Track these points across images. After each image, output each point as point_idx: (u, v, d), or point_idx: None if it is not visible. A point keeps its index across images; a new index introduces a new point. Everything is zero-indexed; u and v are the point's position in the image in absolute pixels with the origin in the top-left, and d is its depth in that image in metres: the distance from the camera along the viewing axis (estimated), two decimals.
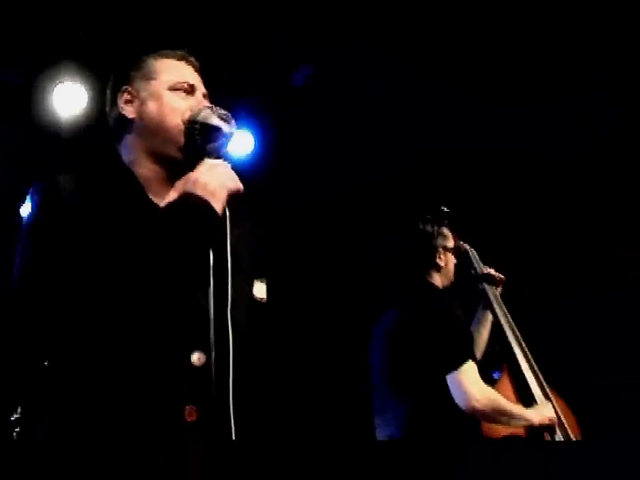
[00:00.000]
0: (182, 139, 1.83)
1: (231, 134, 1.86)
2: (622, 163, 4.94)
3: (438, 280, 3.13)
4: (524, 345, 3.18)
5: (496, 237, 4.48)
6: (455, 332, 2.84)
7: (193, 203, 1.71)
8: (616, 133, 4.78)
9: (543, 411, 2.92)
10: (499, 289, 3.36)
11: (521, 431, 2.89)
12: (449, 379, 2.70)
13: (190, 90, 1.90)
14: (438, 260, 3.11)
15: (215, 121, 1.85)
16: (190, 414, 1.65)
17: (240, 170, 2.10)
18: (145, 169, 1.86)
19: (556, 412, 2.99)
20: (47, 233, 1.70)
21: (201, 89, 1.94)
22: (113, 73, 2.00)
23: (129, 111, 1.89)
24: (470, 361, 2.76)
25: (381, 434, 2.98)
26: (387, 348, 3.01)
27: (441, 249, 3.14)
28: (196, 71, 1.97)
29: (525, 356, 3.10)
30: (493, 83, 4.65)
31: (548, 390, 3.05)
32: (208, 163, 1.81)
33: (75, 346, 1.66)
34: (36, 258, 1.70)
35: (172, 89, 1.89)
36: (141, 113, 1.88)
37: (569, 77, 4.58)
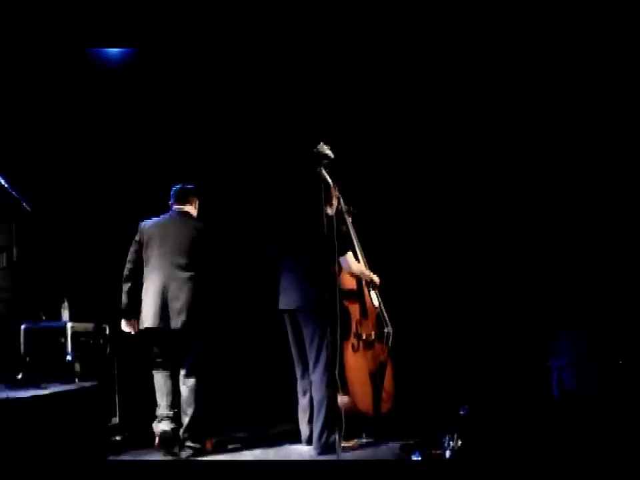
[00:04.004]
0: None
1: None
2: None
3: (329, 210, 5.41)
4: (359, 243, 5.77)
5: None
6: (344, 236, 5.35)
7: None
8: None
9: (371, 274, 5.58)
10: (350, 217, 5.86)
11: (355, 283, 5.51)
12: (342, 259, 5.24)
13: None
14: (333, 199, 5.53)
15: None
16: None
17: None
18: None
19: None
20: None
21: None
22: None
23: None
24: (350, 250, 5.33)
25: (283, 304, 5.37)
26: (302, 243, 5.31)
27: (333, 191, 5.54)
28: None
29: (360, 248, 5.72)
30: None
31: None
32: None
33: None
34: None
35: None
36: None
37: None
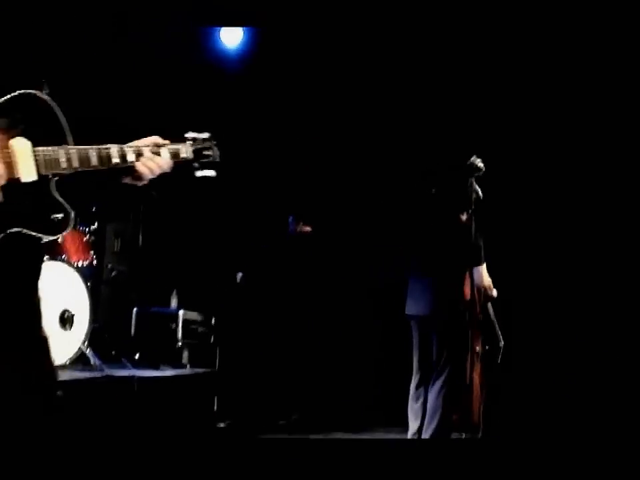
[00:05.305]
0: None
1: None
2: None
3: (464, 218, 5.41)
4: None
5: None
6: (480, 248, 5.40)
7: None
8: None
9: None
10: None
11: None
12: (475, 269, 5.27)
13: None
14: (469, 209, 5.55)
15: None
16: None
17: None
18: None
19: None
20: None
21: None
22: None
23: None
24: (484, 263, 5.36)
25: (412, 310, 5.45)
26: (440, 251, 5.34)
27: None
28: None
29: None
30: None
31: None
32: None
33: None
34: None
35: None
36: None
37: None
